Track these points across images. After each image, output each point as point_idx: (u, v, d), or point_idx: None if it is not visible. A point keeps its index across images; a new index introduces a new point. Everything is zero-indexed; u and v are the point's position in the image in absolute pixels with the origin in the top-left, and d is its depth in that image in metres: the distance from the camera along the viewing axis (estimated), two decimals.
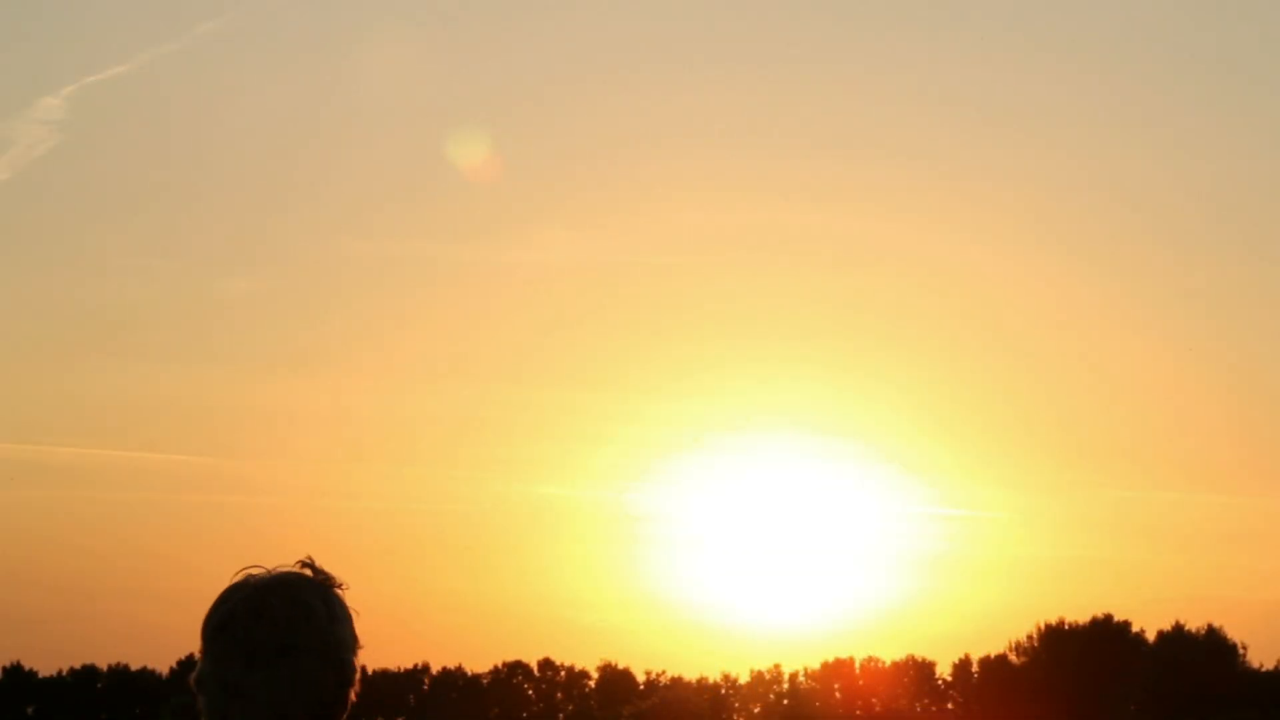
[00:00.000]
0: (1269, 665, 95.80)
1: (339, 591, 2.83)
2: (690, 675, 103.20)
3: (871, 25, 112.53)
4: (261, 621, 2.71)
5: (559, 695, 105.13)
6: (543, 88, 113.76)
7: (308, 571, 2.84)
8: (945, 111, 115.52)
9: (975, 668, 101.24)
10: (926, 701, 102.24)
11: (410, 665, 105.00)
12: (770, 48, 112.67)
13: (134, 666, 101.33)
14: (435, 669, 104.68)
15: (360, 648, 2.81)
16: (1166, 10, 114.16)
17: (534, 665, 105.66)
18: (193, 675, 2.75)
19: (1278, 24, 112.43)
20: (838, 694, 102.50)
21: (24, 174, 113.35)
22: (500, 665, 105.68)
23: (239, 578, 2.78)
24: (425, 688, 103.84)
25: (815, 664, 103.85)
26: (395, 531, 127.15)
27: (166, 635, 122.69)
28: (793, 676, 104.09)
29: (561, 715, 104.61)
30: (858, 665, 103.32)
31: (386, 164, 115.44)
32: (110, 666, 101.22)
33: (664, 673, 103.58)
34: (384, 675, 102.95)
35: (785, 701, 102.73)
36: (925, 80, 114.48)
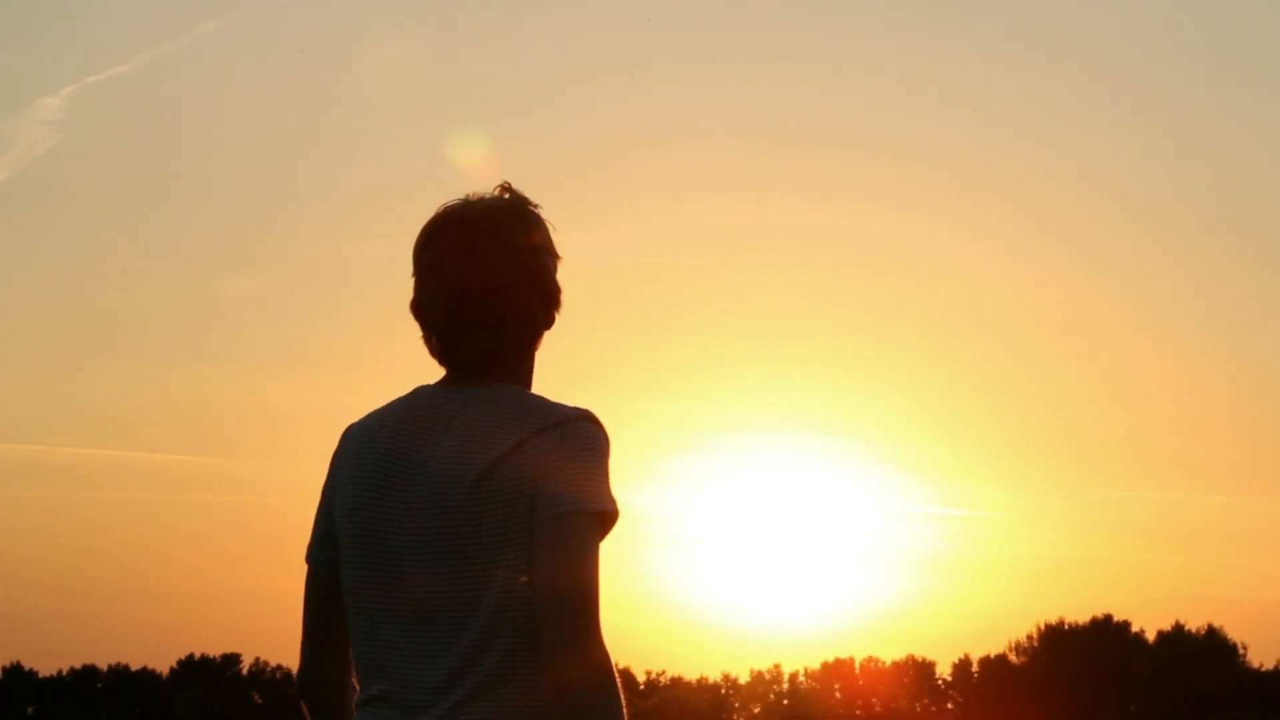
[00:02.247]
0: (1269, 665, 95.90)
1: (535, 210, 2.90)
2: (690, 675, 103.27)
3: (873, 26, 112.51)
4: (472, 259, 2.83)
5: None
6: (544, 88, 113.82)
7: (507, 196, 2.89)
8: (946, 112, 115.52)
9: (975, 668, 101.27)
10: (926, 701, 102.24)
11: None
12: (772, 49, 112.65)
13: (134, 666, 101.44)
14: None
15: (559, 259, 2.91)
16: (1167, 10, 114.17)
17: None
18: (412, 302, 2.86)
19: (1275, 22, 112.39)
20: (838, 694, 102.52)
21: (24, 174, 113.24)
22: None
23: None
24: None
25: (815, 664, 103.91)
26: None
27: (166, 635, 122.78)
28: (793, 676, 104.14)
29: None
30: (858, 665, 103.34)
31: (388, 164, 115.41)
32: (110, 666, 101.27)
33: (664, 673, 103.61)
34: None
35: (785, 701, 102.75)
36: (926, 81, 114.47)
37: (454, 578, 2.73)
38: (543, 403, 2.79)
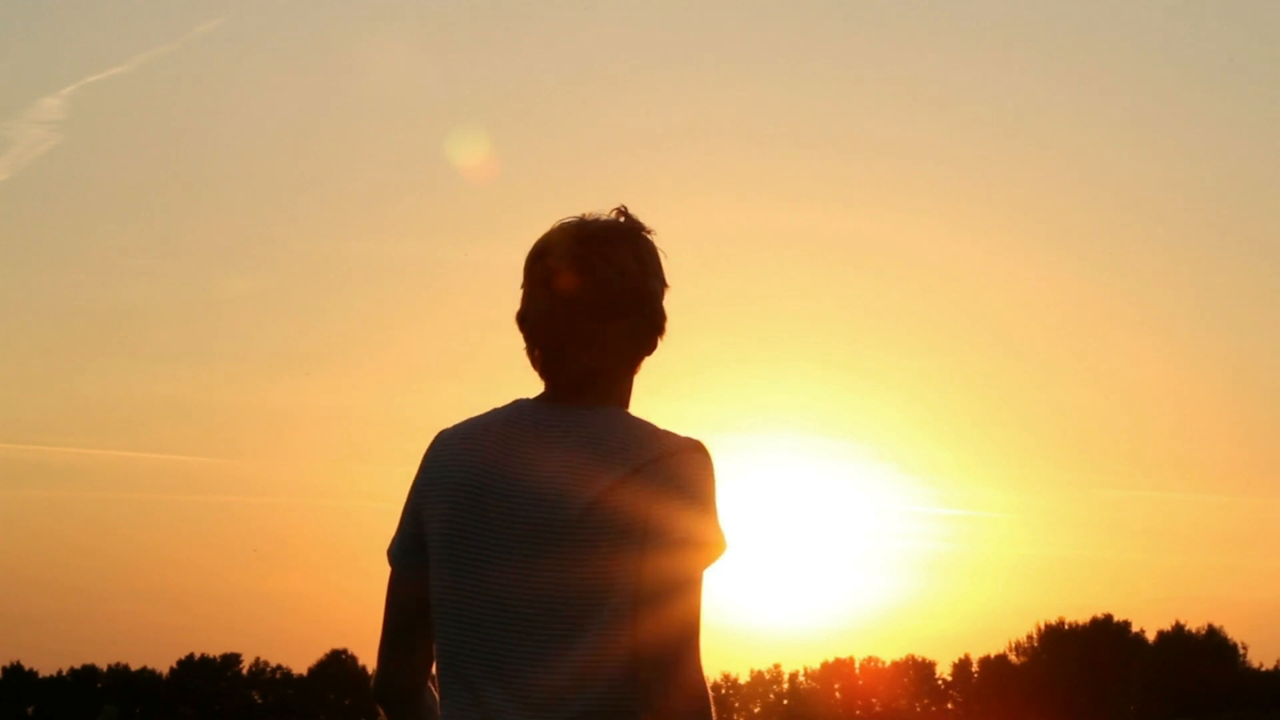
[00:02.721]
0: (1269, 665, 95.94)
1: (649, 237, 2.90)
2: None
3: (874, 28, 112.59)
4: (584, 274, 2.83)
5: None
6: (544, 88, 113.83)
7: (622, 219, 2.91)
8: (947, 114, 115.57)
9: (975, 668, 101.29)
10: (926, 701, 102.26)
11: None
12: (773, 50, 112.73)
13: (134, 667, 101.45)
14: (435, 669, 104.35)
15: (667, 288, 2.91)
16: (1167, 12, 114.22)
17: None
18: (518, 313, 2.87)
19: (1274, 22, 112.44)
20: (838, 694, 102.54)
21: (24, 174, 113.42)
22: None
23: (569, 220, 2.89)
24: None
25: (815, 664, 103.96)
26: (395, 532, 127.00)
27: (166, 635, 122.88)
28: (793, 676, 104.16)
29: None
30: (858, 665, 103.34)
31: (388, 164, 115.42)
32: (110, 666, 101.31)
33: None
34: None
35: (785, 702, 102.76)
36: (927, 82, 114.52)
37: (559, 600, 2.74)
38: (653, 431, 2.80)
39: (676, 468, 2.76)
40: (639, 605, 2.72)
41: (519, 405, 2.87)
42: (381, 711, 2.99)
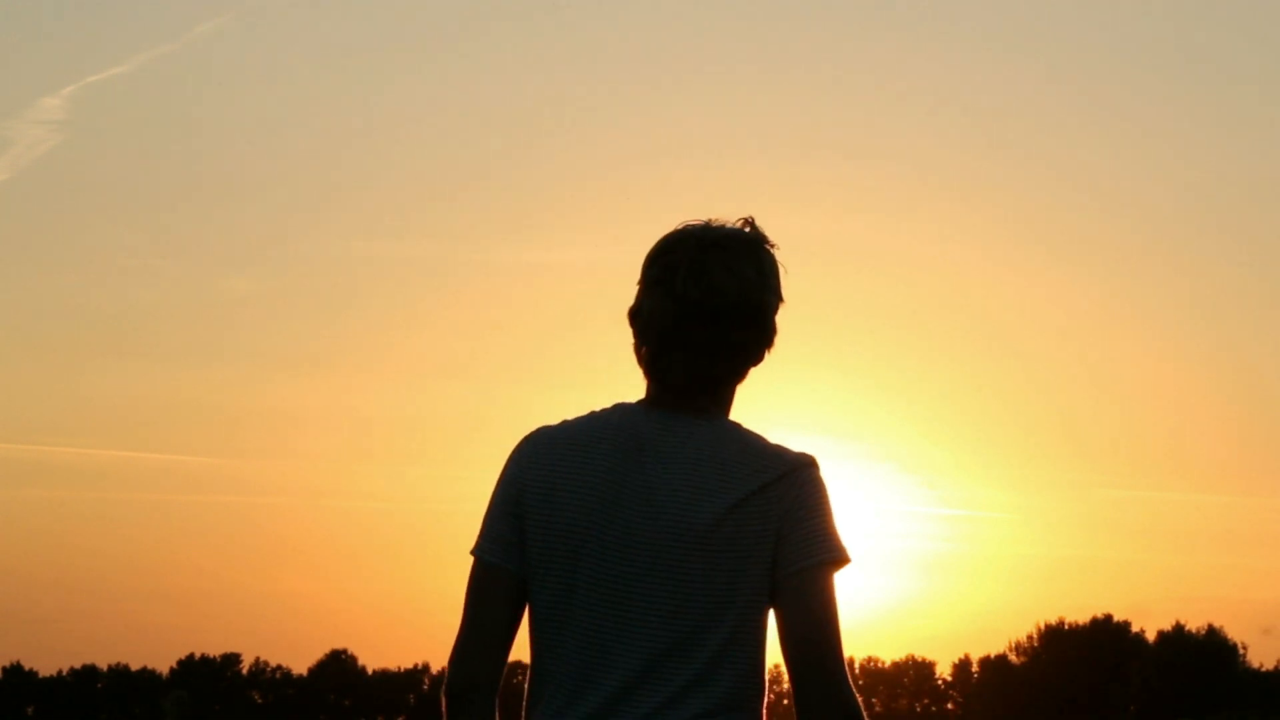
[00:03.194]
0: (1269, 665, 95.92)
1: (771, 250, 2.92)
2: None
3: (874, 33, 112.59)
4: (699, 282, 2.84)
5: None
6: (549, 91, 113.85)
7: (747, 230, 2.92)
8: (946, 117, 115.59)
9: (975, 668, 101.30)
10: (926, 701, 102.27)
11: (410, 665, 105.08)
12: (773, 56, 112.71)
13: (134, 667, 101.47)
14: (435, 669, 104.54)
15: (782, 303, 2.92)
16: (1163, 14, 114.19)
17: None
18: (631, 309, 2.88)
19: (1271, 24, 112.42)
20: None
21: (24, 174, 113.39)
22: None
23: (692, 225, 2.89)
24: (425, 688, 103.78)
25: None
26: (396, 531, 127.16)
27: (166, 635, 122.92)
28: None
29: None
30: (858, 665, 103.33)
31: (389, 164, 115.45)
32: (110, 666, 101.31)
33: None
34: (384, 675, 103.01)
35: (785, 702, 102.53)
36: (926, 86, 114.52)
37: (682, 614, 2.77)
38: (772, 447, 2.85)
39: (803, 483, 2.83)
40: (787, 624, 2.79)
41: (626, 410, 2.89)
42: (448, 707, 2.94)
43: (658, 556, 2.78)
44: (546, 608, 2.83)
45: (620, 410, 2.88)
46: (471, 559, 2.90)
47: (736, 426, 2.87)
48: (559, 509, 2.82)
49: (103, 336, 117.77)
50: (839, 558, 2.81)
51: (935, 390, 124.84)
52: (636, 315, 2.88)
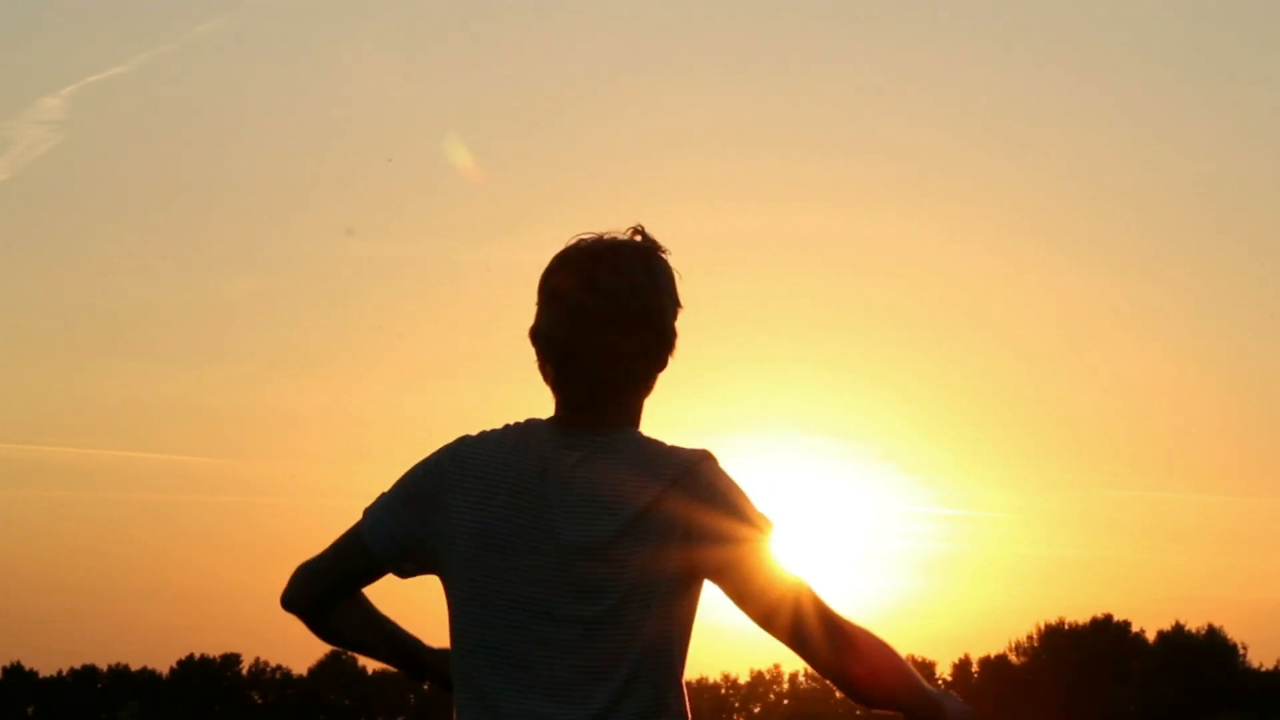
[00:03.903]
0: (1269, 665, 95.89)
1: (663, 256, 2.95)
2: (690, 675, 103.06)
3: (870, 28, 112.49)
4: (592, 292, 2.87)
5: None
6: (544, 91, 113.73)
7: (638, 238, 2.95)
8: (945, 114, 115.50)
9: (975, 668, 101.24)
10: None
11: None
12: (771, 53, 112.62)
13: (134, 667, 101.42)
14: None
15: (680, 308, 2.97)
16: (1162, 10, 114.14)
17: None
18: (531, 328, 2.92)
19: (1274, 22, 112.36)
20: (838, 694, 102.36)
21: (24, 174, 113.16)
22: None
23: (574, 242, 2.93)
24: (425, 688, 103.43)
25: None
26: None
27: (166, 635, 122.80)
28: (793, 676, 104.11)
29: None
30: None
31: (388, 165, 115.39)
32: (110, 666, 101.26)
33: None
34: (384, 675, 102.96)
35: (785, 702, 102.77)
36: (924, 83, 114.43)
37: (596, 631, 2.81)
38: (666, 451, 2.87)
39: (699, 481, 2.84)
40: (753, 610, 2.89)
41: (533, 428, 2.91)
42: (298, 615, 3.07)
43: (565, 574, 2.81)
44: (461, 602, 2.88)
45: (529, 425, 2.91)
46: (360, 516, 2.96)
47: (638, 436, 2.90)
48: (476, 506, 2.86)
49: (103, 336, 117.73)
50: (760, 528, 2.87)
51: (935, 390, 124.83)
52: (536, 334, 2.91)
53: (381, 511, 2.94)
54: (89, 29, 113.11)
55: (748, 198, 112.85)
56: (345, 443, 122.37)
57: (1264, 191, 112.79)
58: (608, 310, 2.85)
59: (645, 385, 2.93)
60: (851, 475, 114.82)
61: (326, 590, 3.01)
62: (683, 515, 2.82)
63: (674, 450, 2.86)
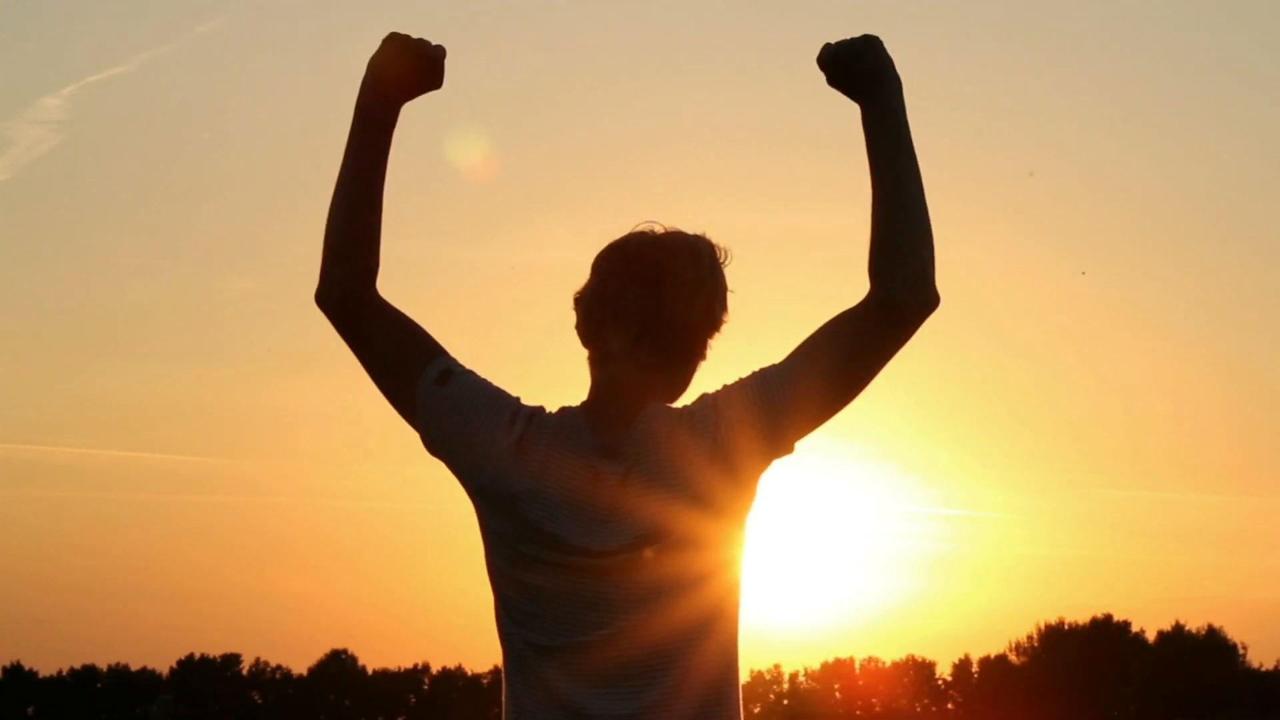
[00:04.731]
0: (1269, 665, 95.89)
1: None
2: None
3: (870, 26, 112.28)
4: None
5: None
6: (545, 88, 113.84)
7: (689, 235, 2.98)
8: (944, 113, 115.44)
9: (975, 668, 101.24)
10: (926, 701, 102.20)
11: (410, 665, 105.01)
12: (771, 50, 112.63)
13: (134, 666, 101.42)
14: (435, 669, 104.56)
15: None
16: (1165, 10, 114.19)
17: None
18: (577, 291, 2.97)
19: (1274, 22, 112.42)
20: (838, 694, 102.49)
21: (24, 174, 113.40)
22: (500, 665, 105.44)
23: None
24: (425, 688, 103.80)
25: (815, 664, 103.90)
26: (395, 531, 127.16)
27: (166, 635, 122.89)
28: (793, 676, 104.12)
29: None
30: (858, 665, 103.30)
31: (389, 164, 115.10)
32: (110, 666, 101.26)
33: None
34: (384, 675, 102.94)
35: (785, 702, 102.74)
36: (923, 81, 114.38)
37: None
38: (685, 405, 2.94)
39: (720, 395, 2.92)
40: (806, 366, 2.92)
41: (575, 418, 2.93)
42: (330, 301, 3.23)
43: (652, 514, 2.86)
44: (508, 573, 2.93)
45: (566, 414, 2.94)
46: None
47: (660, 406, 2.98)
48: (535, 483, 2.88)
49: (103, 336, 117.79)
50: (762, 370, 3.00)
51: (935, 390, 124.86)
52: (585, 300, 2.98)
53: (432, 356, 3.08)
54: (89, 29, 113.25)
55: (747, 197, 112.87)
56: (345, 443, 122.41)
57: (1265, 192, 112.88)
58: (678, 302, 2.91)
59: (694, 368, 3.01)
60: (852, 475, 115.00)
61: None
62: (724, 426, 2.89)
63: (696, 401, 2.98)
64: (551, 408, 2.96)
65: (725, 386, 2.90)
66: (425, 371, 2.96)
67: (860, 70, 2.91)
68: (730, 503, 2.86)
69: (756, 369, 2.90)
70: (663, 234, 2.96)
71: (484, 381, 2.94)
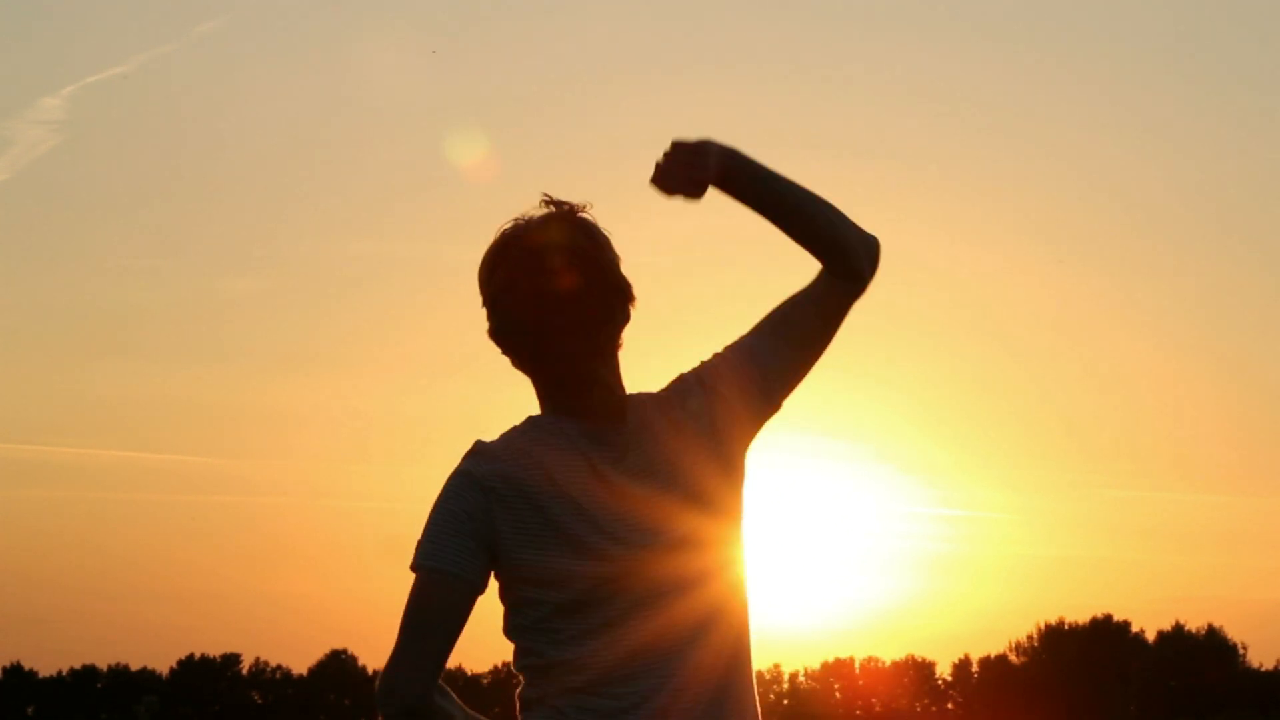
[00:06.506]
0: (1269, 665, 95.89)
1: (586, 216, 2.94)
2: None
3: (871, 28, 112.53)
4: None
5: None
6: (543, 89, 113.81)
7: (551, 208, 2.95)
8: (945, 114, 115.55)
9: (975, 668, 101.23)
10: (926, 701, 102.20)
11: None
12: (768, 51, 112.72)
13: (134, 666, 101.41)
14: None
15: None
16: (1164, 11, 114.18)
17: None
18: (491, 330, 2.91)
19: (1274, 22, 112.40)
20: (838, 694, 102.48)
21: (24, 174, 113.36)
22: (500, 665, 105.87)
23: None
24: None
25: (815, 664, 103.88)
26: (396, 531, 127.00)
27: (166, 635, 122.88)
28: (793, 676, 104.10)
29: None
30: (858, 665, 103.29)
31: (389, 164, 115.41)
32: (110, 666, 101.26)
33: None
34: None
35: (785, 702, 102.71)
36: (923, 82, 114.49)
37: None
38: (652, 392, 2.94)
39: (705, 372, 2.94)
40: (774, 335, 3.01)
41: (564, 425, 2.87)
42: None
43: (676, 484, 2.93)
44: (563, 585, 2.85)
45: (550, 426, 2.88)
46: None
47: (634, 396, 2.94)
48: (534, 501, 2.85)
49: (103, 336, 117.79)
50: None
51: (935, 390, 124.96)
52: (501, 331, 2.88)
53: (448, 541, 2.92)
54: (89, 29, 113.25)
55: None
56: (345, 443, 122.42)
57: (1265, 192, 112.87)
58: (566, 284, 2.84)
59: (617, 343, 2.92)
60: (852, 476, 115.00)
61: (443, 660, 2.98)
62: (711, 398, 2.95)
63: (667, 387, 2.98)
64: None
65: (704, 363, 2.93)
66: (467, 593, 2.91)
67: (724, 181, 3.13)
68: (728, 491, 2.92)
69: (729, 343, 2.96)
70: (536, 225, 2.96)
71: (453, 536, 2.87)
